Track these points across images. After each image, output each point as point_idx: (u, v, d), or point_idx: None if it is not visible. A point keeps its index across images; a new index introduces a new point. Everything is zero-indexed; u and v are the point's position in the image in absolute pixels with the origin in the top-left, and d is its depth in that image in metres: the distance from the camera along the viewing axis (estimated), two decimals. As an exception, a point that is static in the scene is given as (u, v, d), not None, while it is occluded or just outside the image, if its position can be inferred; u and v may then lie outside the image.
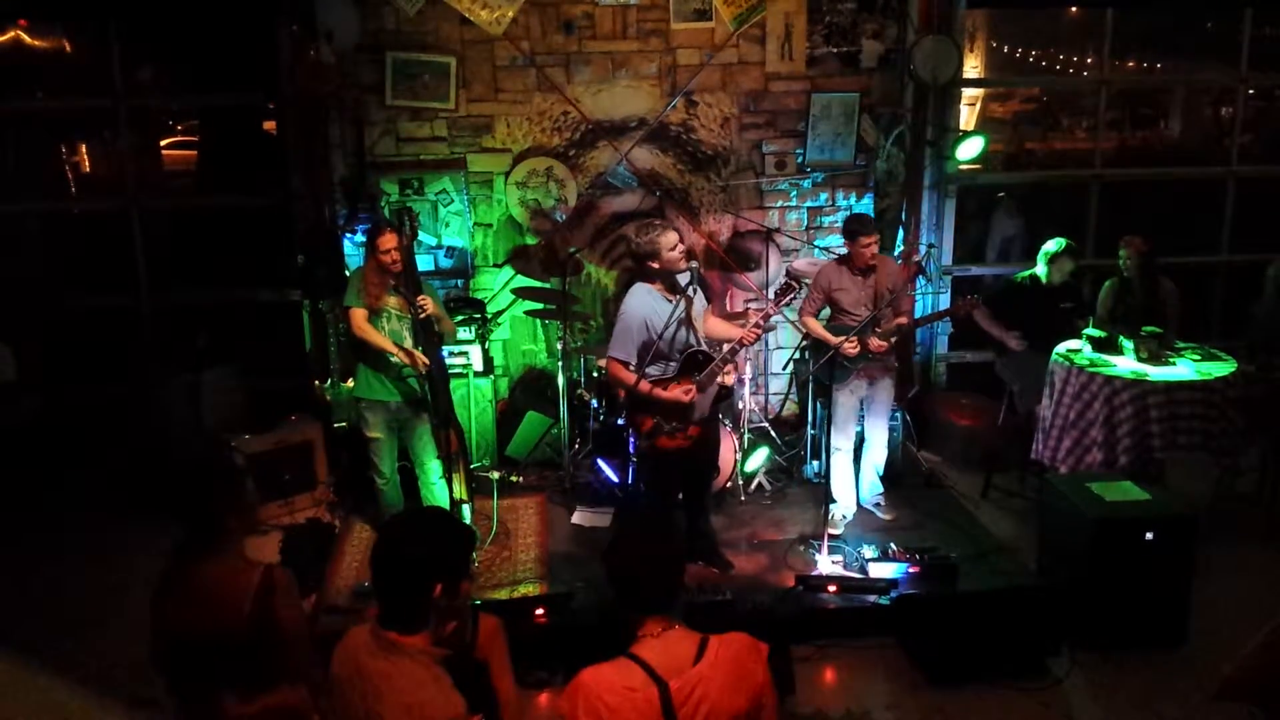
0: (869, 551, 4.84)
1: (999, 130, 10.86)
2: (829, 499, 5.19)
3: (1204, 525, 4.45)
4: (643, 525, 2.49)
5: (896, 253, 6.36)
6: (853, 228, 5.15)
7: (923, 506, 5.59)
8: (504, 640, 2.48)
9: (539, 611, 4.29)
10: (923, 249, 6.29)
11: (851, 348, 5.02)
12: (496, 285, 6.44)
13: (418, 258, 5.01)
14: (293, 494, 5.62)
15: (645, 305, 4.46)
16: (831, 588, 4.59)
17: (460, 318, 5.81)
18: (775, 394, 6.81)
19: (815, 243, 6.61)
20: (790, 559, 4.99)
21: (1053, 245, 5.70)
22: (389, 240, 4.69)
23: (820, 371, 5.19)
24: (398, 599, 2.27)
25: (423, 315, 4.69)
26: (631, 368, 4.44)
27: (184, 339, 6.21)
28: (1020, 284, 5.84)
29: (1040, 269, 5.76)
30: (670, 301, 4.47)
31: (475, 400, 5.93)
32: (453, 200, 6.27)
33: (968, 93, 7.13)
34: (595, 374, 5.91)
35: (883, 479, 5.56)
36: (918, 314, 6.35)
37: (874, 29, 6.38)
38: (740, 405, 5.92)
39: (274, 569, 2.72)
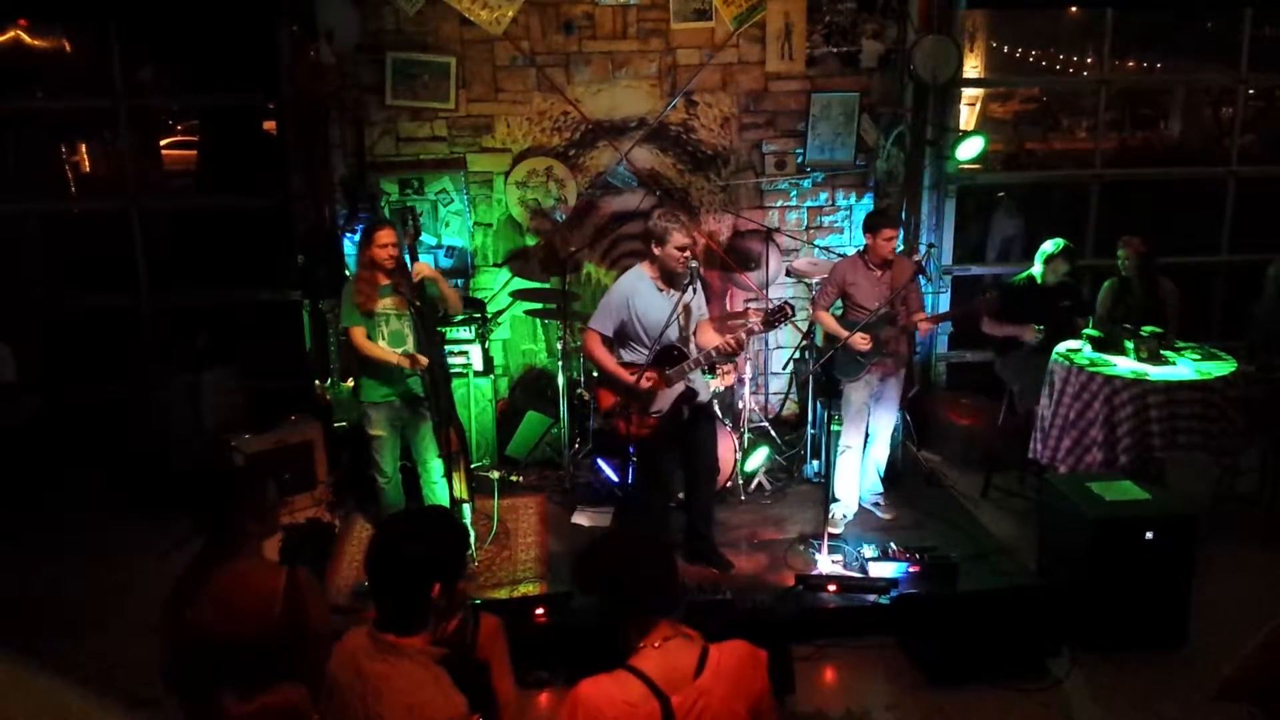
0: (869, 551, 4.83)
1: (999, 130, 10.85)
2: (830, 497, 5.19)
3: (1204, 525, 4.46)
4: (623, 533, 2.43)
5: (896, 252, 6.34)
6: (874, 220, 5.17)
7: (923, 506, 5.59)
8: (504, 640, 2.48)
9: (539, 611, 4.29)
10: (922, 249, 6.29)
11: (864, 343, 5.02)
12: (497, 285, 6.44)
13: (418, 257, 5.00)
14: (293, 494, 5.62)
15: (632, 286, 4.54)
16: (831, 587, 4.59)
17: (460, 317, 5.81)
18: (775, 394, 6.81)
19: (815, 242, 6.61)
20: (790, 558, 4.99)
21: (1050, 246, 5.70)
22: (387, 235, 4.66)
23: (833, 367, 5.19)
24: (396, 601, 2.26)
25: (418, 278, 4.68)
26: (608, 343, 4.57)
27: (184, 339, 6.21)
28: (1018, 286, 5.84)
29: (1036, 269, 5.76)
30: (662, 291, 4.53)
31: (475, 400, 5.93)
32: (453, 200, 6.27)
33: (968, 93, 7.12)
34: (595, 374, 5.91)
35: (883, 479, 5.57)
36: (925, 313, 6.35)
37: (874, 29, 6.38)
38: (740, 405, 5.93)
39: (298, 570, 2.74)
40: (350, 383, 5.41)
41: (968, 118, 7.14)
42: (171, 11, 6.14)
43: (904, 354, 5.31)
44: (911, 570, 4.63)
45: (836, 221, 6.64)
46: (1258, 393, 5.46)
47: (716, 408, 5.59)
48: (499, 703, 2.40)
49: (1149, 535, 4.23)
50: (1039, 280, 5.75)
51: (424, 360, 4.66)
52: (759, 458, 5.83)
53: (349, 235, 6.06)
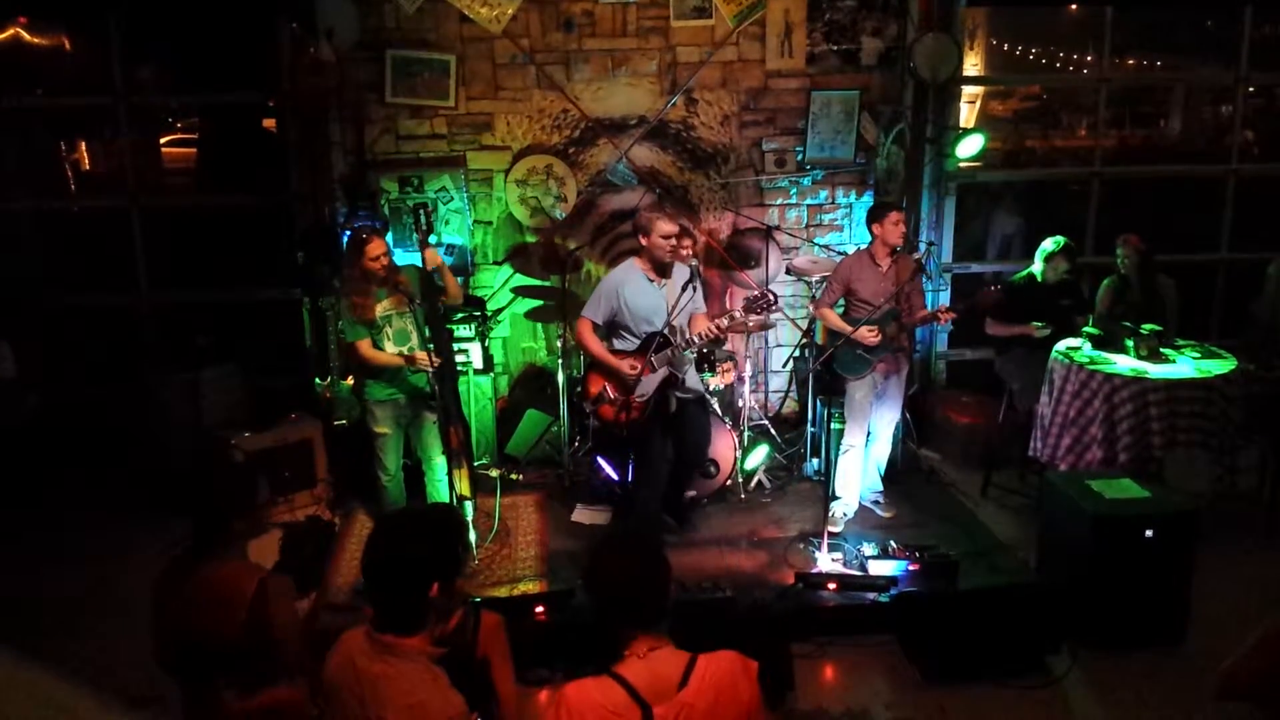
0: (869, 549, 4.83)
1: (999, 128, 10.84)
2: (830, 495, 5.19)
3: (1204, 524, 4.45)
4: (625, 543, 2.42)
5: (896, 251, 6.34)
6: (880, 208, 5.20)
7: (922, 504, 5.59)
8: (504, 637, 2.48)
9: (539, 609, 4.29)
10: (922, 246, 6.28)
11: (873, 336, 5.02)
12: (496, 283, 6.44)
13: (418, 257, 4.99)
14: (293, 492, 5.62)
15: (623, 276, 4.74)
16: (831, 585, 4.59)
17: (460, 315, 5.81)
18: (775, 392, 6.81)
19: (815, 240, 6.61)
20: (790, 556, 4.99)
21: (1050, 244, 5.70)
22: (377, 247, 4.62)
23: (833, 366, 5.19)
24: (394, 601, 2.26)
25: (431, 265, 4.71)
26: (599, 330, 4.73)
27: (184, 337, 6.20)
28: (1018, 284, 5.85)
29: (1037, 267, 5.77)
30: (653, 282, 4.71)
31: (475, 398, 5.92)
32: (452, 198, 6.27)
33: (968, 90, 7.12)
34: (584, 400, 5.91)
35: (883, 477, 5.57)
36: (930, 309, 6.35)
37: (874, 26, 6.38)
38: (740, 403, 5.93)
39: (270, 577, 2.73)
40: (350, 381, 5.41)
41: (968, 115, 7.14)
42: (171, 9, 6.14)
43: (907, 350, 5.31)
44: (911, 568, 4.63)
45: (836, 219, 6.64)
46: (1257, 391, 5.46)
47: (716, 405, 5.60)
48: (499, 699, 2.40)
49: (1149, 533, 4.23)
50: (1039, 278, 5.76)
51: (423, 358, 4.65)
52: (759, 456, 5.83)
53: (349, 233, 6.05)
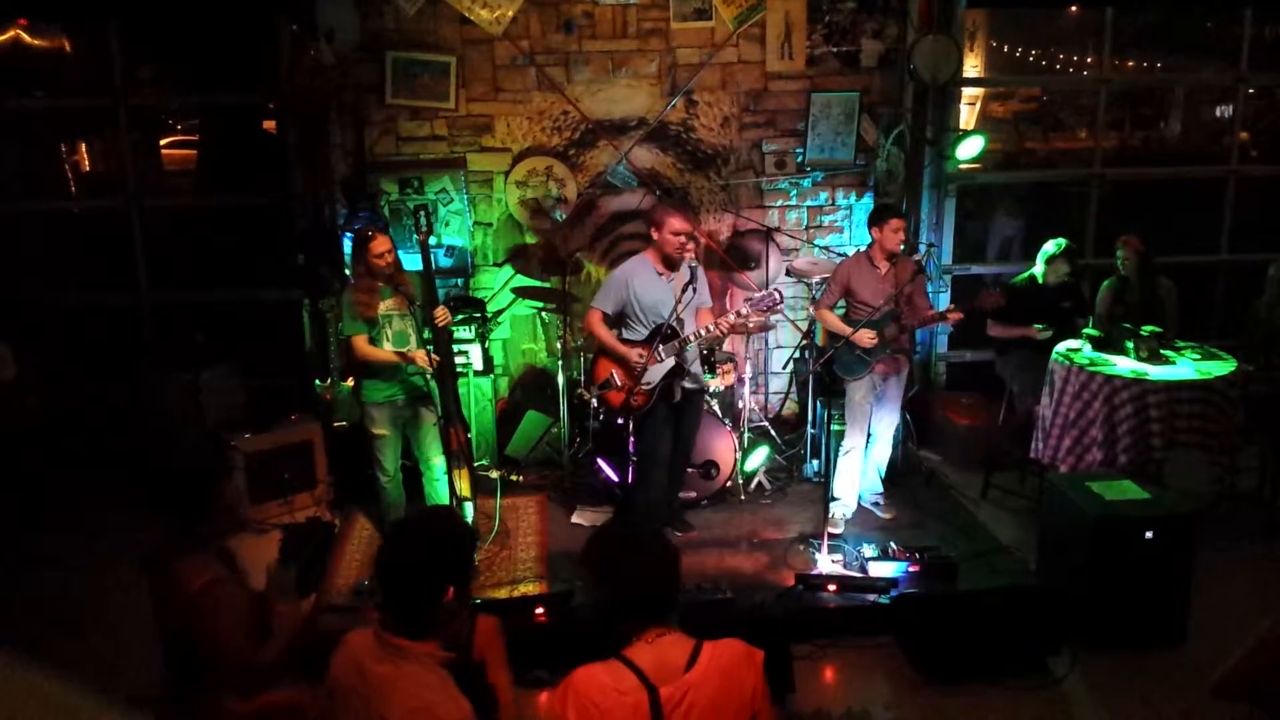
0: (869, 550, 4.84)
1: (999, 130, 10.85)
2: (829, 497, 5.19)
3: (1204, 524, 4.45)
4: (634, 539, 2.44)
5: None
6: (881, 212, 5.20)
7: (923, 505, 5.59)
8: (501, 640, 2.48)
9: (539, 610, 4.29)
10: (922, 248, 6.29)
11: (870, 338, 5.02)
12: (497, 284, 6.44)
13: (418, 259, 5.00)
14: (292, 493, 5.61)
15: (633, 269, 4.87)
16: (831, 587, 4.60)
17: (460, 317, 5.81)
18: (775, 393, 6.81)
19: (815, 242, 6.61)
20: (790, 558, 4.99)
21: (1051, 246, 5.71)
22: (382, 243, 4.65)
23: (832, 367, 5.19)
24: (409, 605, 2.26)
25: (440, 323, 4.73)
26: (607, 321, 4.89)
27: (184, 338, 6.20)
28: (1019, 286, 5.85)
29: (1038, 269, 5.77)
30: (661, 275, 4.83)
31: (475, 399, 5.92)
32: (453, 199, 6.27)
33: (968, 92, 7.12)
34: (591, 385, 5.92)
35: (883, 479, 5.56)
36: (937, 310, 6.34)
37: (874, 28, 6.38)
38: (740, 404, 5.93)
39: (216, 584, 2.71)
40: (350, 382, 5.41)
41: (968, 117, 7.14)
42: (172, 11, 6.14)
43: (908, 351, 5.31)
44: (911, 570, 4.63)
45: (836, 221, 6.64)
46: (1257, 392, 5.46)
47: (716, 406, 5.60)
48: (499, 704, 2.40)
49: (1149, 534, 4.24)
50: (1040, 280, 5.76)
51: (421, 356, 4.66)
52: (759, 457, 5.83)
53: (349, 234, 6.06)
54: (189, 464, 2.96)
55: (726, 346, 6.20)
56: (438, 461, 4.97)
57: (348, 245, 6.06)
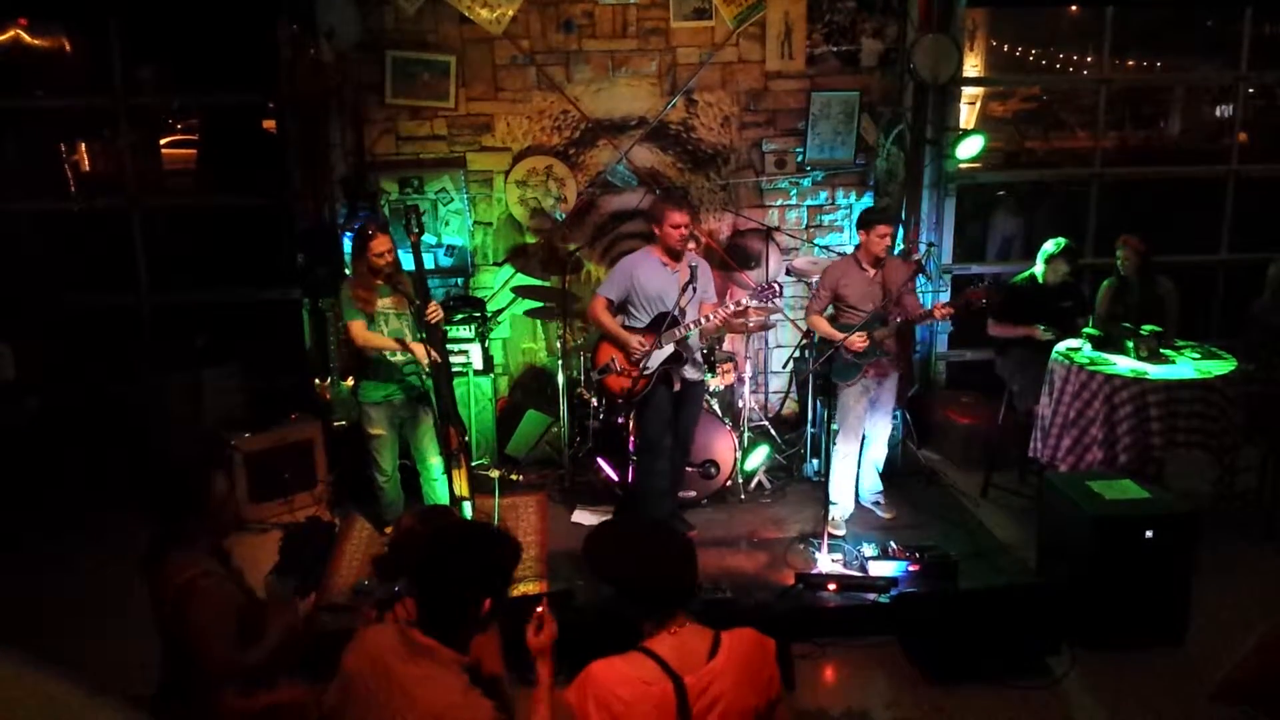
0: (869, 550, 4.83)
1: (999, 129, 10.85)
2: (828, 500, 5.19)
3: (1204, 524, 4.45)
4: (648, 531, 2.47)
5: (897, 251, 6.35)
6: (871, 217, 5.17)
7: (923, 505, 5.59)
8: (497, 640, 2.48)
9: (539, 610, 4.28)
10: (922, 247, 6.29)
11: (860, 342, 5.02)
12: (496, 284, 6.44)
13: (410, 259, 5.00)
14: (292, 492, 5.62)
15: (638, 260, 4.98)
16: (831, 586, 4.59)
17: (460, 316, 5.81)
18: (775, 392, 6.81)
19: (815, 241, 6.61)
20: (790, 557, 4.99)
21: (1051, 246, 5.70)
22: (383, 243, 4.68)
23: (828, 370, 5.19)
24: (449, 610, 2.26)
25: (432, 320, 4.71)
26: (611, 308, 4.97)
27: (184, 338, 6.20)
28: (1019, 286, 5.85)
29: (1038, 269, 5.77)
30: (665, 266, 4.92)
31: (475, 399, 5.93)
32: (452, 199, 6.27)
33: (968, 91, 7.12)
34: (592, 369, 5.93)
35: (883, 477, 5.57)
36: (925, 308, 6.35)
37: (874, 27, 6.38)
38: (740, 404, 5.93)
39: (201, 577, 2.71)
40: (350, 381, 5.42)
41: (968, 116, 7.14)
42: (171, 10, 6.14)
43: (897, 354, 5.30)
44: (911, 569, 4.63)
45: (836, 220, 6.64)
46: (1257, 391, 5.46)
47: (716, 406, 5.60)
48: (508, 700, 2.40)
49: (1149, 534, 4.24)
50: (1040, 280, 5.76)
51: (419, 349, 4.66)
52: (759, 456, 5.83)
53: (349, 234, 6.06)
54: (178, 457, 2.98)
55: (726, 346, 6.21)
56: (435, 461, 4.98)
57: (348, 245, 6.07)
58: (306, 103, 5.97)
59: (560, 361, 5.80)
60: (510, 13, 6.05)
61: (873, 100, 6.45)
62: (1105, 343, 5.34)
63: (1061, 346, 5.39)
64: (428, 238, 6.19)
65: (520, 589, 4.72)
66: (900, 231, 6.44)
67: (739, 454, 5.65)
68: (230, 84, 6.55)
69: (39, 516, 5.69)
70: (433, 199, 6.24)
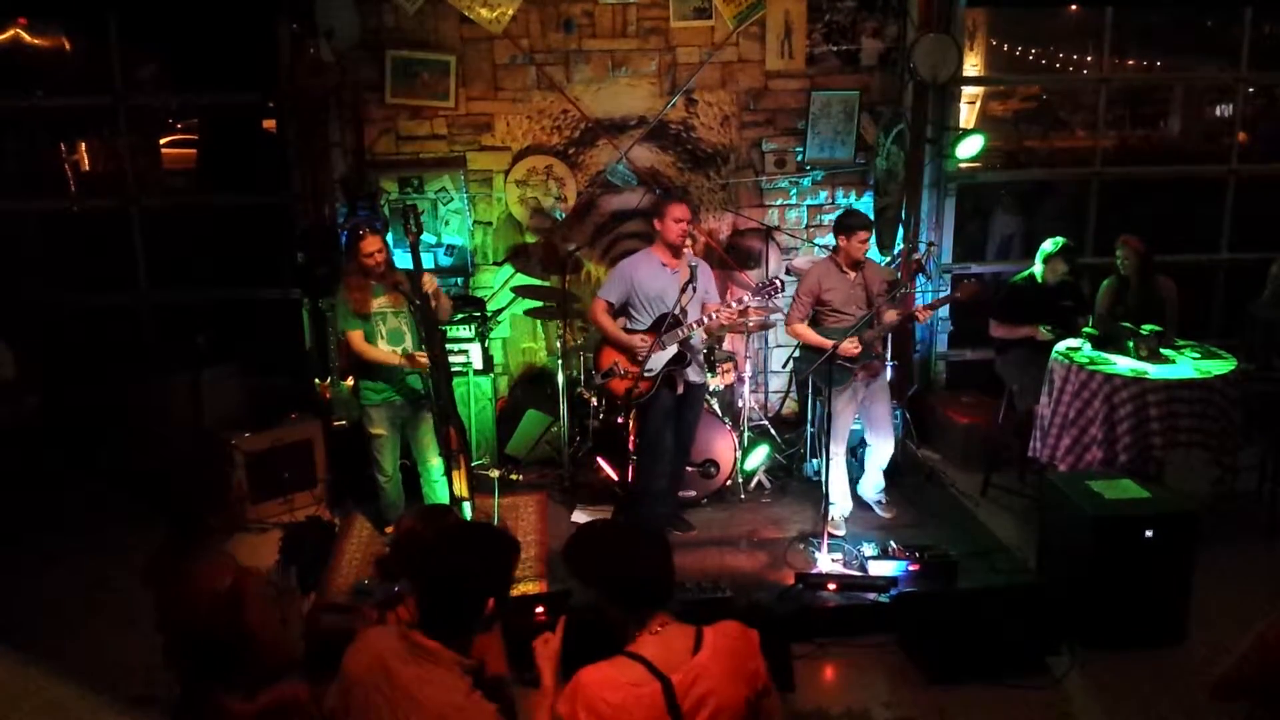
0: (869, 549, 4.83)
1: (999, 128, 10.84)
2: (827, 500, 5.18)
3: (1204, 524, 4.45)
4: (621, 530, 2.46)
5: (896, 250, 6.36)
6: (851, 222, 5.13)
7: (922, 505, 5.59)
8: (499, 640, 2.48)
9: (539, 609, 4.29)
10: (922, 247, 6.29)
11: (853, 347, 5.00)
12: (496, 283, 6.44)
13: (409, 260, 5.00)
14: (292, 492, 5.62)
15: (639, 261, 4.98)
16: (831, 586, 4.59)
17: (460, 316, 5.81)
18: (775, 392, 6.81)
19: (815, 241, 6.60)
20: (790, 557, 4.99)
21: (1049, 245, 5.70)
22: (373, 243, 4.70)
23: (820, 376, 5.17)
24: (452, 611, 2.26)
25: (429, 289, 4.69)
26: (611, 311, 4.97)
27: (184, 337, 6.20)
28: (1019, 285, 5.85)
29: (1037, 268, 5.77)
30: (665, 267, 4.91)
31: (475, 398, 5.92)
32: (452, 198, 6.27)
33: (968, 91, 7.12)
34: (595, 372, 5.93)
35: (885, 472, 5.53)
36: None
37: (874, 27, 6.38)
38: (740, 403, 5.93)
39: (245, 577, 2.73)
40: (350, 381, 5.42)
41: (968, 116, 7.13)
42: (171, 9, 6.14)
43: (883, 354, 5.31)
44: (911, 569, 4.63)
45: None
46: (1257, 391, 5.46)
47: (716, 405, 5.60)
48: (513, 702, 2.40)
49: (1149, 534, 4.23)
50: (1039, 279, 5.76)
51: (423, 359, 4.66)
52: (759, 456, 5.83)
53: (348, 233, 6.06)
54: (194, 457, 3.00)
55: (726, 346, 6.21)
56: (435, 462, 4.97)
57: (347, 244, 6.08)
58: (306, 102, 5.96)
59: (560, 361, 5.79)
60: (510, 12, 6.04)
61: (873, 100, 6.45)
62: (1105, 342, 5.34)
63: (1061, 346, 5.39)
64: (427, 237, 6.19)
65: (520, 589, 4.72)
66: (900, 231, 6.44)
67: (739, 454, 5.65)
68: (230, 83, 6.55)
69: (39, 516, 5.69)
70: (433, 198, 6.23)
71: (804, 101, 6.37)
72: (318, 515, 5.51)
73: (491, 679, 2.32)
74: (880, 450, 5.42)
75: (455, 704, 2.16)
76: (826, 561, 4.81)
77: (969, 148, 6.07)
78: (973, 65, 7.22)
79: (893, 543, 4.83)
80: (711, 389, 5.53)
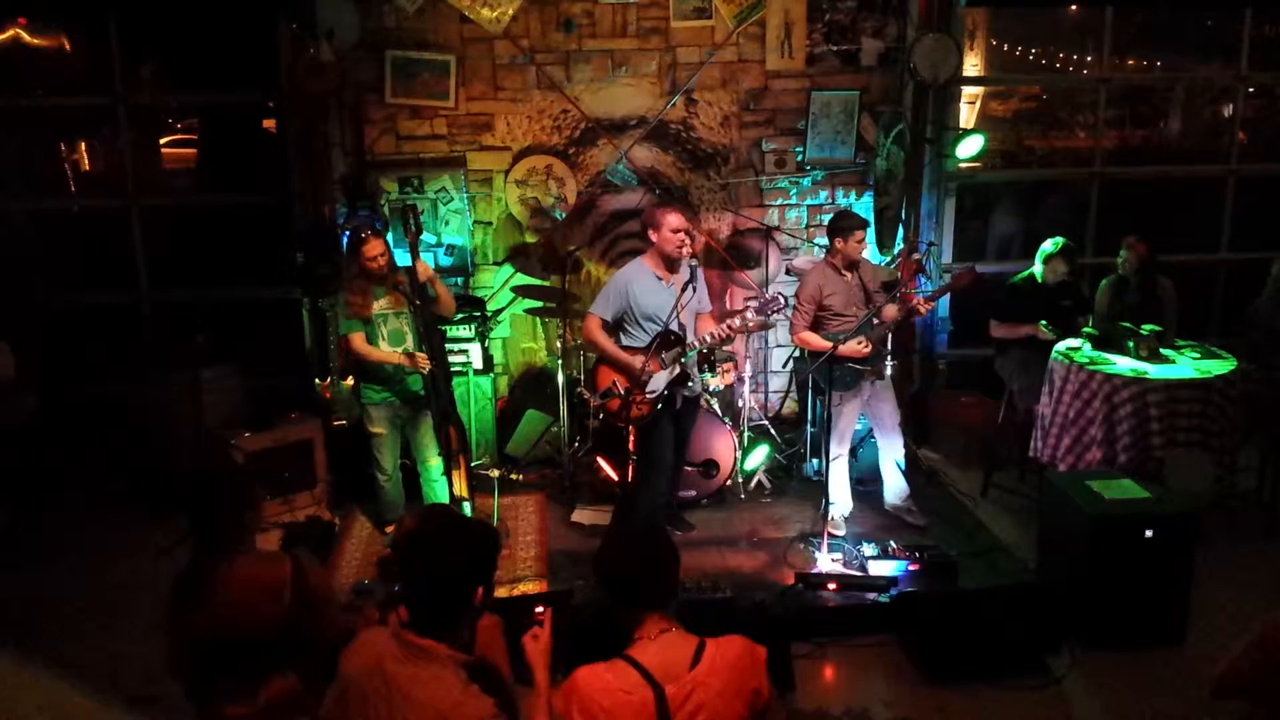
0: (869, 549, 4.83)
1: (999, 128, 10.83)
2: (827, 500, 5.18)
3: (1204, 524, 4.45)
4: (635, 526, 2.48)
5: (896, 250, 6.36)
6: (847, 223, 5.11)
7: (922, 504, 5.57)
8: (502, 638, 2.48)
9: (538, 610, 4.27)
10: (923, 247, 6.29)
11: (864, 348, 4.99)
12: (496, 283, 6.44)
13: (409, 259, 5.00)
14: (292, 492, 5.62)
15: (633, 274, 4.76)
16: (831, 585, 4.60)
17: (460, 316, 5.81)
18: (775, 392, 6.81)
19: (815, 241, 6.60)
20: (790, 556, 4.99)
21: (1049, 245, 5.70)
22: (375, 247, 4.69)
23: (822, 376, 5.15)
24: (439, 606, 2.25)
25: (424, 278, 4.69)
26: (607, 327, 4.78)
27: (184, 337, 6.20)
28: (1018, 285, 5.85)
29: (1037, 268, 5.77)
30: (661, 280, 4.73)
31: (475, 398, 5.93)
32: (452, 198, 6.27)
33: (968, 91, 7.11)
34: (596, 398, 5.91)
35: (903, 471, 5.46)
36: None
37: (874, 27, 6.38)
38: (740, 403, 5.93)
39: (298, 555, 2.79)
40: (350, 381, 5.42)
41: (968, 116, 7.13)
42: (171, 10, 6.14)
43: (885, 352, 5.29)
44: (911, 568, 4.64)
45: (837, 220, 6.63)
46: (1257, 391, 5.46)
47: (716, 405, 5.60)
48: (514, 699, 2.40)
49: (1149, 533, 4.23)
50: (1039, 280, 5.76)
51: (423, 360, 4.66)
52: (759, 456, 5.83)
53: (348, 233, 6.05)
54: (219, 458, 3.04)
55: (726, 346, 6.20)
56: (435, 462, 4.97)
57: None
58: (306, 102, 5.96)
59: (560, 361, 5.79)
60: (510, 12, 6.04)
61: (873, 100, 6.45)
62: (1105, 342, 5.34)
63: (1061, 346, 5.39)
64: (428, 237, 6.19)
65: (520, 589, 4.72)
66: (900, 231, 6.44)
67: (739, 453, 5.65)
68: (230, 83, 6.55)
69: (39, 516, 5.69)
70: (432, 198, 6.23)
71: (804, 101, 6.38)
72: (318, 515, 5.51)
73: (491, 674, 2.32)
74: (891, 448, 5.34)
75: (453, 700, 2.16)
76: (826, 561, 4.81)
77: (969, 148, 6.07)
78: (973, 65, 7.21)
79: (893, 543, 4.84)
80: (711, 389, 5.52)
